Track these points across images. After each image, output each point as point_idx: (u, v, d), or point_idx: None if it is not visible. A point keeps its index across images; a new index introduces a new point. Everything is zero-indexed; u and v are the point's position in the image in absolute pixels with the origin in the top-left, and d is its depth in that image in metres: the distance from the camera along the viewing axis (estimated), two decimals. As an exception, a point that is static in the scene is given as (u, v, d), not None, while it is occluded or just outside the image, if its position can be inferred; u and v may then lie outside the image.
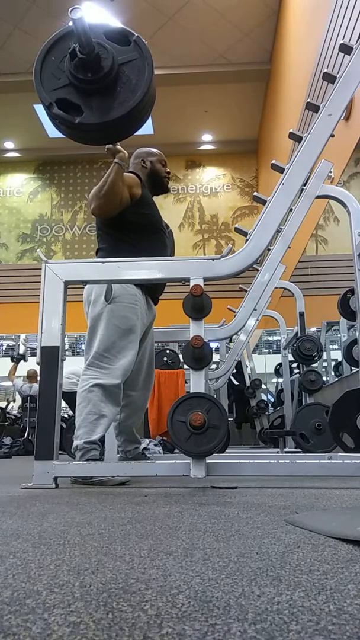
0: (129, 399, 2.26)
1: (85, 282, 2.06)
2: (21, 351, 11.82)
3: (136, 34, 1.79)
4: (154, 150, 2.46)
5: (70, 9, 1.64)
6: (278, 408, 6.11)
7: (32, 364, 7.13)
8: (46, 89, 1.76)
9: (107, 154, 2.18)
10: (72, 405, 4.68)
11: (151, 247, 2.21)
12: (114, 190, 2.12)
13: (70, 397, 4.32)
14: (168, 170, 2.46)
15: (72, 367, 5.43)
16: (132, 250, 2.12)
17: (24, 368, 7.86)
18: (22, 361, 7.81)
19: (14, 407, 9.14)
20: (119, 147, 2.14)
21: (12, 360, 7.86)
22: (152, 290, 2.27)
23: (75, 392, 4.65)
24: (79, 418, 1.99)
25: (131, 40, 1.78)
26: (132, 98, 1.75)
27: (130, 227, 2.22)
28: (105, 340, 2.07)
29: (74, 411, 4.77)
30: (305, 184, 2.31)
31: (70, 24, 1.67)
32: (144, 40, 1.79)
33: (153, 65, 1.77)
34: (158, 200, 2.46)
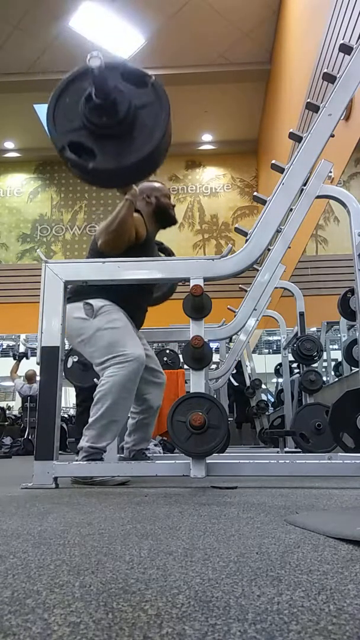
0: (147, 402, 2.30)
1: (85, 282, 2.06)
2: (23, 349, 11.84)
3: (153, 77, 1.74)
4: (157, 184, 2.43)
5: (88, 57, 1.56)
6: (278, 408, 6.11)
7: (32, 364, 7.12)
8: (59, 131, 1.72)
9: (117, 190, 2.15)
10: (79, 397, 4.62)
11: (136, 288, 2.19)
12: (124, 228, 2.10)
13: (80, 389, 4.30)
14: (173, 203, 2.45)
15: None
16: (112, 294, 2.13)
17: (23, 368, 7.86)
18: (25, 359, 7.80)
19: (14, 408, 9.16)
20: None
21: (15, 358, 7.85)
22: (130, 316, 2.23)
23: (84, 388, 4.58)
24: (92, 418, 1.98)
25: (148, 83, 1.73)
26: (148, 143, 1.70)
27: None
28: (108, 343, 2.05)
29: (77, 402, 4.68)
30: (305, 184, 2.32)
31: (89, 62, 1.60)
32: (161, 83, 1.74)
33: (170, 109, 1.73)
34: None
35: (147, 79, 1.74)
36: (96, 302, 2.11)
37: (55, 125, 1.73)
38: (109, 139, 1.71)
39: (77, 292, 2.14)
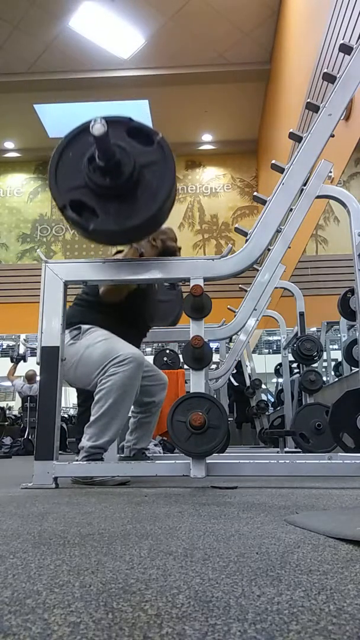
0: (150, 404, 2.31)
1: (85, 282, 2.06)
2: (21, 351, 11.83)
3: (160, 135, 1.70)
4: (163, 227, 2.37)
5: (91, 123, 1.52)
6: (278, 408, 6.11)
7: (31, 364, 7.12)
8: (61, 188, 1.67)
9: None
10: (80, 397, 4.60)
11: (125, 332, 2.16)
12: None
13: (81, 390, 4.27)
14: (179, 246, 2.40)
15: None
16: (107, 326, 2.11)
17: (23, 368, 7.86)
18: (22, 361, 7.79)
19: (13, 408, 9.15)
20: None
21: (12, 361, 7.83)
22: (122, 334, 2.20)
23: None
24: (93, 416, 1.98)
25: (154, 141, 1.68)
26: (152, 205, 1.66)
27: (117, 309, 2.17)
28: (101, 353, 2.03)
29: (79, 402, 4.69)
30: (305, 184, 2.32)
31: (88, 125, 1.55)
32: (167, 142, 1.69)
33: (175, 168, 1.69)
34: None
35: (154, 136, 1.69)
36: (83, 326, 2.11)
37: (57, 182, 1.68)
38: (111, 199, 1.66)
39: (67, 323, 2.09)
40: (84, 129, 1.66)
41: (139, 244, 2.10)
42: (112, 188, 1.64)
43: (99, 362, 2.02)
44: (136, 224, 1.67)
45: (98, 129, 1.52)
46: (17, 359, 7.76)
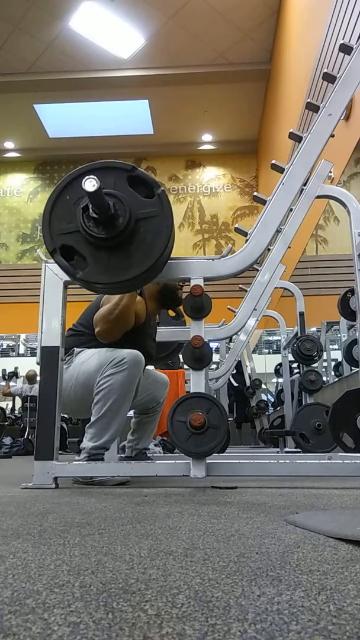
0: (153, 403, 2.32)
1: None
2: (21, 351, 11.82)
3: (161, 188, 1.66)
4: None
5: (83, 181, 1.48)
6: (278, 408, 6.11)
7: (31, 364, 7.11)
8: (53, 231, 1.63)
9: None
10: None
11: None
12: (125, 316, 2.05)
13: None
14: (181, 284, 2.31)
15: None
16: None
17: (23, 369, 7.85)
18: (15, 378, 7.75)
19: (14, 408, 9.14)
20: None
21: (4, 379, 7.75)
22: None
23: None
24: (94, 417, 1.98)
25: (155, 193, 1.64)
26: (144, 262, 1.62)
27: (116, 343, 2.11)
28: (98, 362, 2.02)
29: None
30: (305, 184, 2.31)
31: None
32: (167, 196, 1.65)
33: (173, 225, 1.64)
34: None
35: (155, 189, 1.65)
36: (76, 349, 2.09)
37: (50, 224, 1.63)
38: (103, 250, 1.62)
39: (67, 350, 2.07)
40: (83, 172, 1.61)
41: None
42: (105, 239, 1.59)
43: (97, 370, 2.00)
44: (126, 279, 1.63)
45: (90, 185, 1.47)
46: (9, 376, 7.73)
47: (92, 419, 1.99)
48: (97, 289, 1.80)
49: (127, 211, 1.59)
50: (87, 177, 1.49)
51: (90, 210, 1.56)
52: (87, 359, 2.06)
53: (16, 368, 8.30)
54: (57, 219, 1.64)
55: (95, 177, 1.48)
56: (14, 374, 7.78)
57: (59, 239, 1.63)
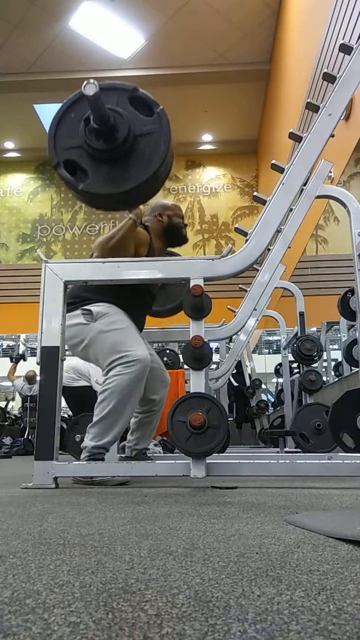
0: (152, 402, 2.31)
1: (85, 282, 2.06)
2: (21, 351, 11.81)
3: (161, 106, 1.72)
4: (169, 203, 2.45)
5: (84, 84, 1.55)
6: (278, 408, 6.11)
7: (31, 364, 7.10)
8: (58, 147, 1.71)
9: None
10: (69, 401, 4.61)
11: (130, 303, 2.18)
12: (121, 246, 2.11)
13: (69, 393, 4.28)
14: (186, 223, 2.46)
15: (73, 361, 5.35)
16: (110, 295, 2.12)
17: (22, 369, 7.84)
18: (22, 361, 7.76)
19: (14, 407, 9.14)
20: None
21: (12, 361, 7.80)
22: (131, 317, 2.20)
23: (72, 387, 4.56)
24: (96, 416, 1.99)
25: (155, 112, 1.71)
26: (142, 173, 1.68)
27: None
28: (112, 345, 2.05)
29: (71, 407, 4.69)
30: (305, 184, 2.31)
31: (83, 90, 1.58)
32: (166, 114, 1.71)
33: (170, 141, 1.70)
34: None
35: (155, 107, 1.71)
36: (95, 308, 2.11)
37: (55, 140, 1.71)
38: (104, 163, 1.69)
39: (74, 299, 2.12)
40: None
41: (137, 214, 2.10)
42: (106, 151, 1.67)
43: (107, 354, 2.04)
44: (125, 190, 1.69)
45: (89, 89, 1.55)
46: (16, 359, 7.74)
47: (95, 418, 1.99)
48: (98, 202, 1.85)
49: (126, 125, 1.66)
50: (87, 82, 1.56)
51: (92, 121, 1.62)
52: (105, 330, 2.07)
53: (24, 351, 8.28)
54: (62, 136, 1.71)
55: (95, 83, 1.55)
56: (22, 357, 7.77)
57: (63, 154, 1.71)
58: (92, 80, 1.57)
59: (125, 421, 2.03)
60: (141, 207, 2.14)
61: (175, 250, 2.74)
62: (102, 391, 1.99)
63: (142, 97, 1.74)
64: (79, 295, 2.15)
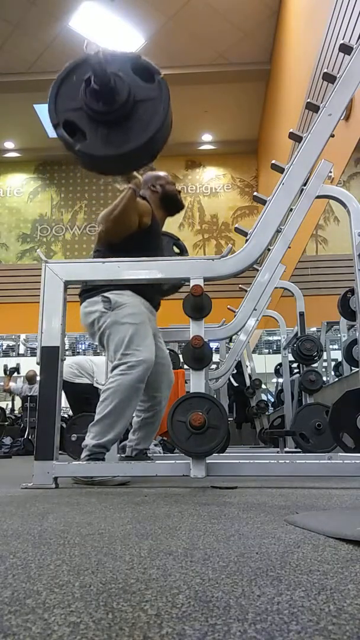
0: (155, 400, 2.31)
1: (85, 282, 2.06)
2: (21, 351, 11.79)
3: (162, 75, 1.75)
4: (161, 173, 2.48)
5: (85, 43, 1.59)
6: (278, 408, 6.11)
7: (32, 364, 7.08)
8: (58, 107, 1.73)
9: (121, 178, 2.16)
10: (69, 397, 4.61)
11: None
12: (124, 216, 2.13)
13: (70, 388, 4.28)
14: (179, 189, 2.49)
15: (77, 357, 5.33)
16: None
17: (23, 369, 7.83)
18: (16, 373, 7.73)
19: (14, 407, 9.12)
20: (134, 172, 2.13)
21: (5, 373, 7.73)
22: (149, 296, 2.26)
23: (74, 383, 4.54)
24: (98, 415, 1.99)
25: (155, 79, 1.74)
26: (139, 138, 1.71)
27: (129, 251, 2.16)
28: (122, 340, 2.07)
29: (71, 404, 4.69)
30: (305, 184, 2.31)
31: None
32: (167, 83, 1.74)
33: (169, 108, 1.73)
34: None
35: (156, 74, 1.74)
36: (113, 297, 2.13)
37: (56, 101, 1.73)
38: (102, 125, 1.72)
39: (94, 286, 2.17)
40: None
41: (136, 184, 2.12)
42: (104, 113, 1.69)
43: (116, 347, 2.07)
44: (124, 151, 1.71)
45: (92, 47, 1.59)
46: (10, 371, 7.71)
47: (97, 417, 1.99)
48: (94, 164, 1.85)
49: (126, 88, 1.68)
50: (88, 41, 1.59)
51: (92, 81, 1.64)
52: (119, 321, 2.10)
53: (18, 364, 8.27)
54: (62, 97, 1.73)
55: (96, 43, 1.59)
56: (16, 369, 7.76)
57: (63, 115, 1.72)
58: (94, 40, 1.61)
59: (126, 421, 2.04)
60: (140, 178, 2.17)
61: (180, 243, 2.74)
62: (105, 390, 2.01)
63: (145, 65, 1.76)
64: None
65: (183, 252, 2.71)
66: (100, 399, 2.01)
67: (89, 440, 1.97)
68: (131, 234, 2.18)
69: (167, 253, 2.64)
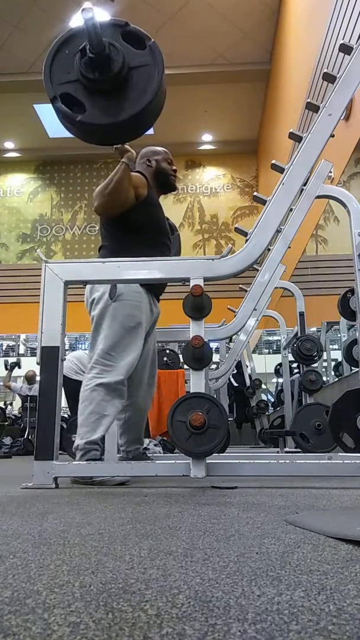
0: (134, 399, 2.27)
1: (85, 282, 2.06)
2: (21, 351, 11.78)
3: (152, 40, 1.76)
4: (159, 149, 2.44)
5: (81, 9, 1.61)
6: (278, 408, 6.11)
7: (32, 364, 7.07)
8: (54, 81, 1.73)
9: (115, 153, 2.16)
10: (66, 393, 4.58)
11: (153, 247, 2.20)
12: (119, 190, 2.11)
13: (67, 384, 4.25)
14: (175, 168, 2.43)
15: (78, 352, 5.26)
16: (133, 250, 2.11)
17: (23, 369, 7.82)
18: (17, 368, 7.71)
19: (13, 408, 9.13)
20: (127, 146, 2.13)
21: (6, 368, 7.72)
22: (155, 288, 2.27)
23: (72, 379, 4.48)
24: (80, 417, 2.00)
25: (147, 45, 1.75)
26: (137, 103, 1.72)
27: (133, 227, 2.21)
28: (110, 338, 2.08)
29: (68, 399, 4.70)
30: (305, 184, 2.31)
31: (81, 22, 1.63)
32: (159, 47, 1.75)
33: (164, 73, 1.74)
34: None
35: (147, 40, 1.75)
36: (121, 286, 2.13)
37: (51, 75, 1.73)
38: (100, 95, 1.72)
39: (109, 248, 2.19)
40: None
41: (129, 158, 2.13)
42: (101, 82, 1.70)
43: (100, 344, 2.07)
44: (120, 119, 1.72)
45: (87, 13, 1.60)
46: (11, 366, 7.69)
47: (79, 419, 2.01)
48: (95, 134, 1.85)
49: (120, 56, 1.69)
50: (84, 7, 1.60)
51: (87, 50, 1.65)
52: (116, 316, 2.10)
53: (18, 359, 8.24)
54: (57, 70, 1.74)
55: (92, 8, 1.61)
56: (16, 364, 7.73)
57: (59, 88, 1.73)
58: (88, 4, 1.63)
59: (111, 418, 2.04)
60: (133, 152, 2.16)
61: (169, 222, 2.72)
62: (83, 391, 2.03)
63: (134, 32, 1.77)
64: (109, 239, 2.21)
65: (173, 230, 2.69)
66: (80, 400, 2.02)
67: (79, 441, 1.97)
68: (132, 208, 2.17)
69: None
